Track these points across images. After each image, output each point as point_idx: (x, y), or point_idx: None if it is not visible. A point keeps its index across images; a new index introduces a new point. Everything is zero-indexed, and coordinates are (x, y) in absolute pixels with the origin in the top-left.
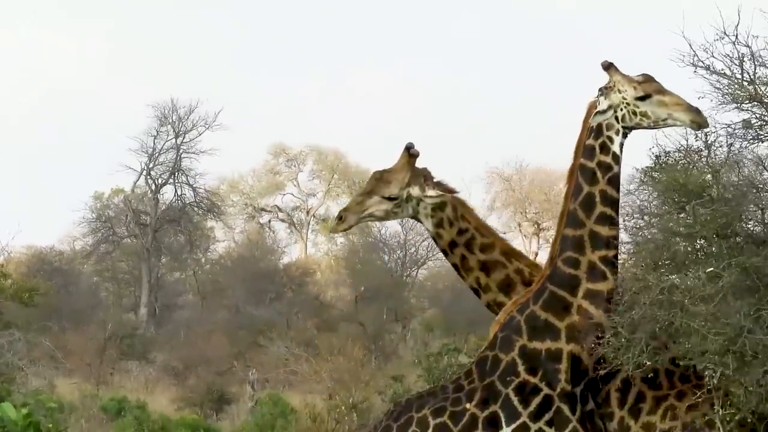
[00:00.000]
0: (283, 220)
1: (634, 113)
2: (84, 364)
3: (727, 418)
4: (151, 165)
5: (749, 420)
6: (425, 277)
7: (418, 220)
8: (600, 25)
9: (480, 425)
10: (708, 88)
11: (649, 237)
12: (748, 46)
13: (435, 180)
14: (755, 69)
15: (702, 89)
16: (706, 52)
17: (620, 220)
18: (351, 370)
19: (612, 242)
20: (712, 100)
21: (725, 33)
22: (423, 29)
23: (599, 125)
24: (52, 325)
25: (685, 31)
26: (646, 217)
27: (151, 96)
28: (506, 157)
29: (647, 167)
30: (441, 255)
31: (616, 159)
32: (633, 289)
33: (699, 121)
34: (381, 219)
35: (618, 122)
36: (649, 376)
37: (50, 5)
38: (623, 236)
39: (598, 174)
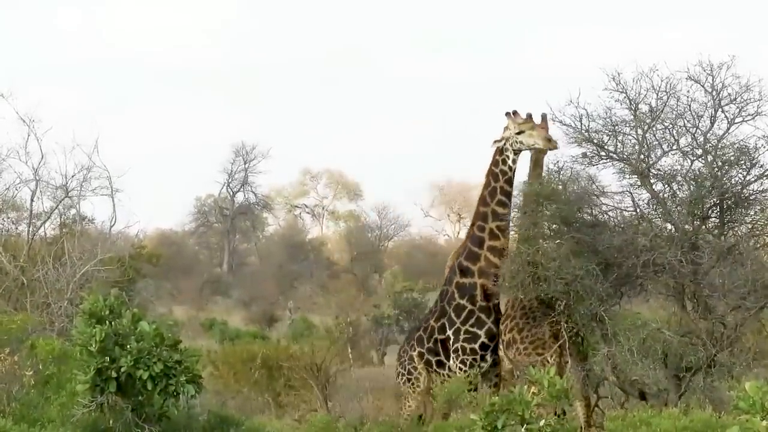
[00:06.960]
0: (308, 213)
1: (516, 141)
2: (189, 298)
3: (567, 331)
4: (229, 180)
5: (581, 332)
6: (393, 246)
7: None
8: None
9: (436, 331)
10: (562, 133)
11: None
12: (584, 109)
13: None
14: (588, 123)
15: (558, 134)
16: (561, 113)
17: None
18: (348, 301)
19: (505, 218)
20: (564, 141)
21: (572, 102)
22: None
23: (501, 148)
24: (170, 275)
25: (548, 100)
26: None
27: (231, 134)
28: (441, 175)
29: (524, 182)
30: (402, 232)
31: (511, 168)
32: (514, 253)
33: (551, 145)
34: None
35: (510, 146)
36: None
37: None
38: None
39: (500, 176)
